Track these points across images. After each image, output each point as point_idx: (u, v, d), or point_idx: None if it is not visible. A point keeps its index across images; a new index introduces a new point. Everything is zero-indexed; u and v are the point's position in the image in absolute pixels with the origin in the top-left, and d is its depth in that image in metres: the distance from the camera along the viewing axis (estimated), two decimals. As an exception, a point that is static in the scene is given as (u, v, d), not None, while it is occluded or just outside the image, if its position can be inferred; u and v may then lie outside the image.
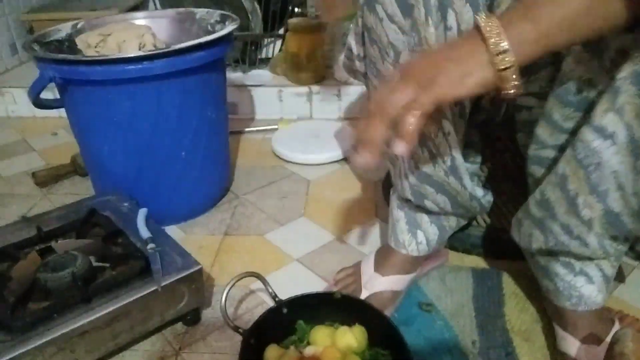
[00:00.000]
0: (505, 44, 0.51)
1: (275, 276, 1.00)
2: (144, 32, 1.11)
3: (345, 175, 1.39)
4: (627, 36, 0.55)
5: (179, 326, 0.89)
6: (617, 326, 0.78)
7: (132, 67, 0.94)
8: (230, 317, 0.77)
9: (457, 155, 0.79)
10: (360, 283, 0.92)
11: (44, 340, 0.70)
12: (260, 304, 0.93)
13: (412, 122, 0.54)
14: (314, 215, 1.21)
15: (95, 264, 0.83)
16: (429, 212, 0.87)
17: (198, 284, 0.84)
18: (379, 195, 1.27)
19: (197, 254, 0.86)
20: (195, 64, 0.99)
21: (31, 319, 0.72)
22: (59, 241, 0.90)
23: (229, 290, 0.77)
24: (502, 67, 0.52)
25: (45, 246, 0.88)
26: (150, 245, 0.86)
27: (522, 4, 0.53)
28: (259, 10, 1.75)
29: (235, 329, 0.75)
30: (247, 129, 1.65)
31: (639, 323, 0.85)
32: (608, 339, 0.74)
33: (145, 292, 0.78)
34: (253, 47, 1.80)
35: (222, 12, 1.20)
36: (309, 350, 0.74)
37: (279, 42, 1.83)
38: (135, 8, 1.99)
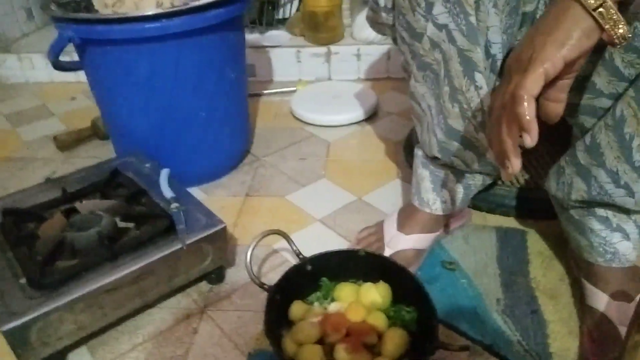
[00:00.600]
0: None
1: (297, 236, 1.00)
2: (161, -9, 1.09)
3: (366, 137, 1.37)
4: None
5: (204, 285, 0.90)
6: (647, 285, 0.77)
7: (151, 25, 0.92)
8: (255, 275, 0.77)
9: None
10: (382, 242, 0.91)
11: (73, 296, 0.71)
12: (283, 263, 0.93)
13: (524, 112, 0.51)
14: (335, 177, 1.20)
15: (119, 223, 0.84)
16: (455, 170, 0.86)
17: (222, 242, 0.84)
18: (400, 156, 1.26)
19: (219, 215, 0.86)
20: (214, 21, 0.97)
21: (60, 277, 0.73)
22: (83, 202, 0.90)
23: (254, 247, 0.77)
24: (595, 5, 0.50)
25: (70, 207, 0.89)
26: (174, 205, 0.86)
27: None
28: (275, -31, 1.71)
29: (261, 285, 0.75)
30: (265, 91, 1.63)
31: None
32: (638, 297, 0.73)
33: (170, 251, 0.79)
34: (270, 7, 1.77)
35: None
36: (333, 307, 0.75)
37: (296, 2, 1.79)
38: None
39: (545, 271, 0.89)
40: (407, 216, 0.92)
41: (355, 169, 1.23)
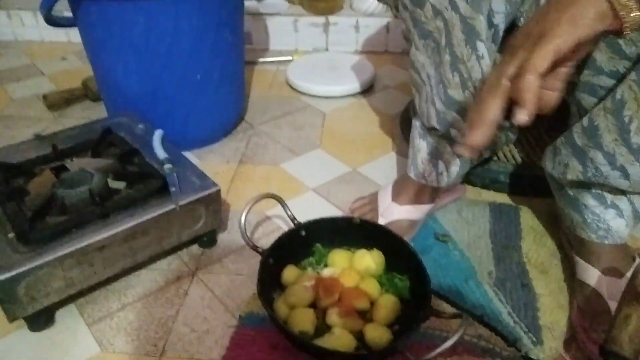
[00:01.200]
0: None
1: (291, 204, 0.97)
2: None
3: (362, 109, 1.36)
4: None
5: (195, 248, 0.89)
6: (638, 262, 0.78)
7: (148, -20, 0.89)
8: (248, 238, 0.77)
9: None
10: (376, 212, 0.91)
11: (62, 252, 0.70)
12: (276, 229, 0.93)
13: (528, 87, 0.49)
14: (330, 147, 1.19)
15: (111, 182, 0.83)
16: (452, 141, 0.85)
17: (215, 205, 0.83)
18: (396, 129, 1.25)
19: (213, 179, 0.85)
20: (213, -19, 0.95)
21: (49, 232, 0.72)
22: (74, 159, 0.89)
23: (249, 209, 0.76)
24: None
25: (60, 164, 0.87)
26: (167, 166, 0.85)
27: None
28: None
29: (254, 248, 0.74)
30: (261, 60, 1.61)
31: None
32: (629, 274, 0.74)
33: (162, 211, 0.78)
34: (269, -26, 1.73)
35: None
36: (326, 272, 0.74)
37: (295, -30, 1.75)
38: None
39: (537, 247, 0.89)
40: (402, 187, 0.91)
41: (351, 140, 1.22)
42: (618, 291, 0.69)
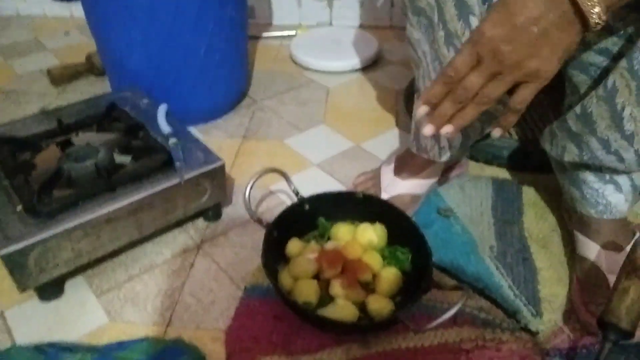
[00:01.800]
0: None
1: (294, 179, 0.98)
2: None
3: (366, 84, 1.35)
4: None
5: (201, 222, 0.90)
6: (637, 236, 0.78)
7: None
8: (253, 211, 0.78)
9: None
10: (379, 187, 0.92)
11: (70, 224, 0.71)
12: (280, 204, 0.94)
13: (487, 101, 0.55)
14: (334, 123, 1.19)
15: (117, 157, 0.83)
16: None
17: (220, 179, 0.84)
18: (400, 105, 1.25)
19: (216, 154, 0.86)
20: (217, -47, 0.94)
21: (57, 205, 0.73)
22: (79, 134, 0.89)
23: (254, 182, 0.77)
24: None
25: (65, 139, 0.88)
26: (172, 140, 0.85)
27: None
28: None
29: (259, 220, 0.76)
30: (264, 34, 1.60)
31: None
32: (628, 248, 0.75)
33: (168, 185, 0.79)
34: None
35: None
36: (330, 245, 0.76)
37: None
38: None
39: (538, 222, 0.90)
40: (405, 162, 0.92)
41: (354, 116, 1.22)
42: (617, 265, 0.70)
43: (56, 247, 0.71)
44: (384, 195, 0.89)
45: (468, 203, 0.94)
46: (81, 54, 1.37)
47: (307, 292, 0.68)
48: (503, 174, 1.02)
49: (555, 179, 0.86)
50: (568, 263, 0.82)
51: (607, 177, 0.74)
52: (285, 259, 0.76)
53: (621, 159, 0.68)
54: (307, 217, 0.79)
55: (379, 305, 0.68)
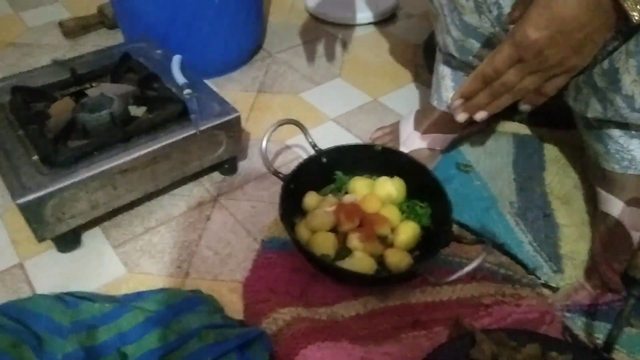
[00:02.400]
0: None
1: (311, 133, 0.98)
2: None
3: (384, 38, 1.31)
4: None
5: (216, 175, 0.89)
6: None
7: None
8: (270, 163, 0.76)
9: (505, 3, 0.72)
10: (397, 142, 0.90)
11: (86, 175, 0.71)
12: (296, 158, 0.92)
13: (523, 93, 0.59)
14: (351, 77, 1.16)
15: (131, 107, 0.82)
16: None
17: (236, 131, 0.83)
18: (419, 59, 1.21)
19: (232, 106, 0.84)
20: None
21: (73, 155, 0.72)
22: (93, 85, 0.88)
23: (271, 134, 0.75)
24: None
25: (79, 89, 0.86)
26: (187, 91, 0.84)
27: None
28: None
29: (275, 173, 0.74)
30: (279, -15, 1.55)
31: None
32: (653, 204, 0.73)
33: (183, 135, 0.77)
34: None
35: None
36: (347, 198, 0.74)
37: None
38: None
39: (560, 178, 0.88)
40: (425, 116, 0.89)
41: (372, 69, 1.19)
42: (641, 221, 0.68)
43: (72, 198, 0.70)
44: (403, 149, 0.87)
45: (488, 158, 0.91)
46: (93, 6, 1.34)
47: (324, 244, 0.67)
48: (524, 129, 0.99)
49: (578, 135, 0.83)
50: (590, 220, 0.80)
51: (633, 131, 0.72)
52: (302, 213, 0.75)
53: None
54: (325, 170, 0.78)
55: (397, 258, 0.67)
